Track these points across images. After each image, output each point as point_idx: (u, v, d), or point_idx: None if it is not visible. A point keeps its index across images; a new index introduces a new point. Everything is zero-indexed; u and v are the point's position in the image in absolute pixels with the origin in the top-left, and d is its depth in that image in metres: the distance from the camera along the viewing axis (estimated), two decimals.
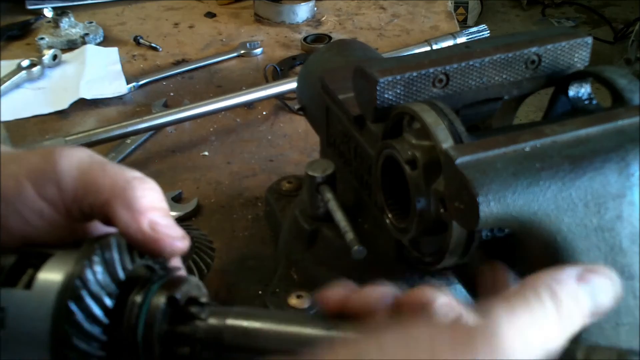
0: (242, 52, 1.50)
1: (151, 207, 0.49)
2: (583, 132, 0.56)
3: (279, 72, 1.40)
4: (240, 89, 1.30)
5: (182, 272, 0.53)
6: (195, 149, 1.21)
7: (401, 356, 0.37)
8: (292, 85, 1.25)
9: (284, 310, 0.49)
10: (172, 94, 1.37)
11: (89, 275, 0.44)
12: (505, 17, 4.56)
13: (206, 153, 1.19)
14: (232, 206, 1.06)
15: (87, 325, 0.44)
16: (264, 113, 1.30)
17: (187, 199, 1.07)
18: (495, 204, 0.51)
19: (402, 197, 0.63)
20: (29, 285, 0.45)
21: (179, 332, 0.46)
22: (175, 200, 1.06)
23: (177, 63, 1.48)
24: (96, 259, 0.45)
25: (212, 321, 0.46)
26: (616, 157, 0.54)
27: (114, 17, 1.67)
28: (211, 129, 1.26)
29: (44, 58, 1.42)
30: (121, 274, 0.46)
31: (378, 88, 0.63)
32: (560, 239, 0.53)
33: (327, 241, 0.79)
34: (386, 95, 0.64)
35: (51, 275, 0.45)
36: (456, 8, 3.88)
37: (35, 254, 0.47)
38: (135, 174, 0.50)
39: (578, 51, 0.69)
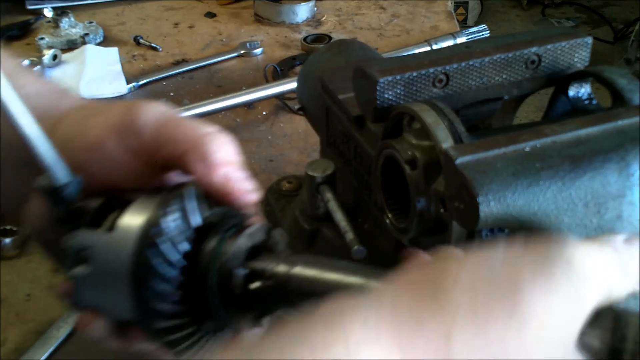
0: (242, 52, 1.49)
1: (225, 160, 0.51)
2: (583, 132, 0.56)
3: (279, 72, 1.40)
4: (240, 89, 1.30)
5: (257, 219, 0.55)
6: None
7: (484, 276, 0.38)
8: (292, 85, 1.25)
9: (353, 262, 0.50)
10: (172, 94, 1.37)
11: (166, 222, 0.47)
12: (505, 17, 4.55)
13: None
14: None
15: (163, 268, 0.47)
16: (264, 113, 1.30)
17: None
18: (495, 204, 0.51)
19: (402, 197, 0.63)
20: (111, 228, 0.49)
21: (248, 277, 0.48)
22: None
23: (177, 63, 1.48)
24: (173, 206, 0.48)
25: (280, 268, 0.48)
26: (616, 157, 0.54)
27: (114, 17, 1.67)
28: None
29: (44, 58, 1.42)
30: (196, 221, 0.49)
31: (378, 88, 0.63)
32: None
33: (327, 241, 0.79)
34: (386, 95, 0.64)
35: (132, 220, 0.48)
36: (456, 8, 3.87)
37: (118, 199, 0.51)
38: (210, 129, 0.53)
39: (578, 51, 0.69)
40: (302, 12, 1.63)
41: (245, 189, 0.52)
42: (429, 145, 0.58)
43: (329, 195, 0.76)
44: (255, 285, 0.49)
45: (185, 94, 1.37)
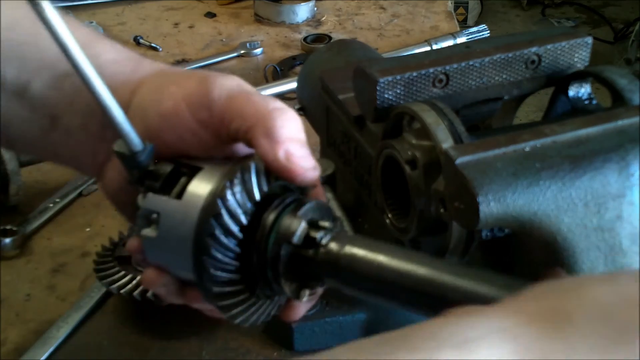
0: (242, 52, 1.50)
1: (288, 137, 0.53)
2: (583, 132, 0.56)
3: (279, 72, 1.40)
4: None
5: (319, 193, 0.57)
6: None
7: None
8: (292, 85, 1.25)
9: (404, 247, 0.50)
10: None
11: (228, 195, 0.50)
12: (505, 17, 4.55)
13: None
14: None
15: (223, 238, 0.50)
16: None
17: None
18: (495, 204, 0.51)
19: (402, 197, 0.63)
20: (179, 195, 0.52)
21: (302, 253, 0.51)
22: None
23: (177, 63, 1.48)
24: (236, 180, 0.51)
25: (332, 246, 0.51)
26: (616, 157, 0.54)
27: (114, 17, 1.67)
28: None
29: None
30: (257, 195, 0.51)
31: (378, 88, 0.63)
32: (560, 239, 0.53)
33: None
34: (386, 95, 0.64)
35: (198, 189, 0.52)
36: (456, 8, 3.87)
37: (187, 166, 0.54)
38: (277, 105, 0.54)
39: (578, 51, 0.69)
40: (302, 12, 1.64)
41: (305, 166, 0.53)
42: (429, 145, 0.58)
43: (329, 195, 0.76)
44: (308, 257, 0.51)
45: None
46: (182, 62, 1.48)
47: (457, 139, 0.56)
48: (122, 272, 0.82)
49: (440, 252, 0.61)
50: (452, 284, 0.46)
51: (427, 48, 1.44)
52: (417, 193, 0.59)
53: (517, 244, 0.56)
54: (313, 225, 0.52)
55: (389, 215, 0.66)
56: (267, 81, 1.35)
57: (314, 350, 0.79)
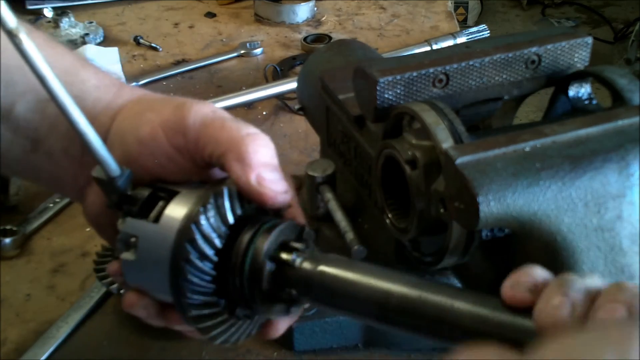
0: (242, 52, 1.49)
1: (260, 162, 0.54)
2: (583, 132, 0.56)
3: (279, 72, 1.40)
4: (240, 89, 1.30)
5: (296, 214, 0.59)
6: None
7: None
8: (292, 85, 1.25)
9: (377, 265, 0.51)
10: (172, 94, 1.36)
11: (202, 219, 0.52)
12: (505, 17, 4.55)
13: None
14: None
15: (199, 262, 0.52)
16: (264, 113, 1.29)
17: None
18: (495, 204, 0.51)
19: (402, 197, 0.63)
20: (157, 219, 0.54)
21: (276, 272, 0.52)
22: None
23: (177, 63, 1.47)
24: (210, 205, 0.52)
25: (305, 265, 0.52)
26: (616, 157, 0.54)
27: (114, 17, 1.67)
28: None
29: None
30: (231, 218, 0.53)
31: (378, 88, 0.63)
32: (560, 239, 0.53)
33: (327, 241, 0.79)
34: (386, 95, 0.64)
35: (175, 212, 0.53)
36: (456, 8, 3.87)
37: (165, 190, 0.56)
38: (250, 130, 0.56)
39: (578, 51, 0.69)
40: (302, 12, 1.63)
41: (277, 189, 0.54)
42: (429, 145, 0.58)
43: (329, 195, 0.76)
44: (283, 279, 0.53)
45: (185, 94, 1.36)
46: (182, 62, 1.48)
47: (457, 139, 0.56)
48: None
49: (440, 252, 0.61)
50: (425, 300, 0.46)
51: (427, 48, 1.44)
52: (417, 193, 0.59)
53: (517, 244, 0.56)
54: (286, 245, 0.54)
55: (389, 215, 0.66)
56: (267, 81, 1.35)
57: (314, 351, 0.79)
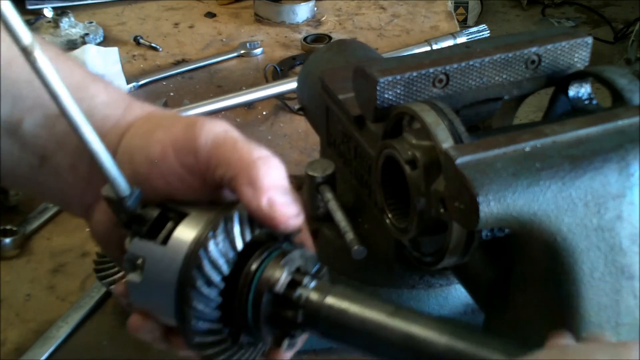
0: (242, 52, 1.49)
1: (272, 185, 0.53)
2: (583, 132, 0.56)
3: (279, 72, 1.40)
4: (240, 89, 1.30)
5: (306, 239, 0.58)
6: None
7: None
8: (292, 85, 1.25)
9: (387, 302, 0.50)
10: (172, 94, 1.37)
11: (211, 245, 0.51)
12: (505, 17, 4.55)
13: None
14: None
15: (205, 289, 0.51)
16: (264, 113, 1.29)
17: None
18: (495, 204, 0.51)
19: (402, 197, 0.63)
20: (165, 241, 0.53)
21: (283, 302, 0.52)
22: None
23: (177, 63, 1.47)
24: (219, 230, 0.51)
25: (313, 296, 0.51)
26: (616, 157, 0.54)
27: (114, 17, 1.67)
28: None
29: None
30: (240, 244, 0.52)
31: (378, 88, 0.63)
32: (560, 239, 0.53)
33: (327, 241, 0.79)
34: (386, 95, 0.64)
35: (184, 235, 0.52)
36: (456, 8, 3.87)
37: (174, 211, 0.55)
38: (262, 153, 0.54)
39: (578, 51, 0.69)
40: (302, 12, 1.63)
41: (288, 213, 0.53)
42: (429, 145, 0.58)
43: (329, 195, 0.76)
44: (288, 311, 0.52)
45: (186, 94, 1.37)
46: (182, 62, 1.48)
47: (457, 139, 0.56)
48: (122, 272, 0.82)
49: (440, 252, 0.61)
50: (433, 341, 0.45)
51: (427, 48, 1.44)
52: (417, 193, 0.59)
53: (517, 244, 0.56)
54: (296, 274, 0.53)
55: (389, 215, 0.66)
56: (267, 81, 1.35)
57: (314, 351, 0.79)
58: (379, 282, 0.77)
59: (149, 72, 1.43)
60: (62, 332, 0.82)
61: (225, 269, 0.51)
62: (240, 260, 0.52)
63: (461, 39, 1.46)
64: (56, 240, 0.98)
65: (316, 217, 0.80)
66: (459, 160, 0.53)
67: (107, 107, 0.59)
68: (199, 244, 0.51)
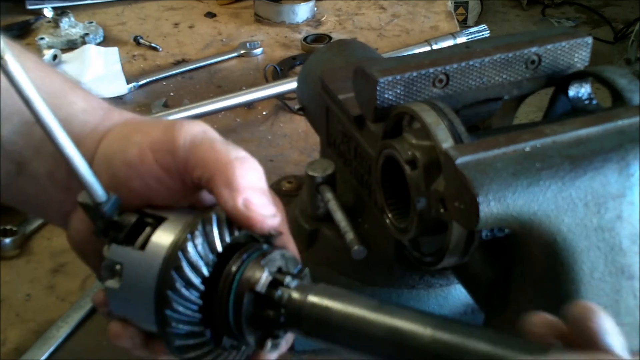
0: (242, 52, 1.49)
1: (248, 186, 0.53)
2: (583, 132, 0.56)
3: (279, 72, 1.40)
4: (240, 89, 1.30)
5: (287, 241, 0.58)
6: None
7: None
8: (292, 85, 1.25)
9: (372, 298, 0.50)
10: (172, 94, 1.37)
11: (189, 247, 0.51)
12: (505, 17, 4.55)
13: None
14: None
15: (184, 290, 0.50)
16: (264, 113, 1.30)
17: None
18: (495, 204, 0.51)
19: (402, 197, 0.63)
20: (143, 246, 0.52)
21: (264, 302, 0.51)
22: None
23: (177, 63, 1.48)
24: (197, 232, 0.51)
25: (295, 295, 0.51)
26: (616, 157, 0.54)
27: (114, 17, 1.67)
28: None
29: (44, 58, 1.42)
30: (219, 246, 0.52)
31: (378, 88, 0.63)
32: (560, 239, 0.53)
33: (327, 241, 0.79)
34: (386, 95, 0.64)
35: (162, 239, 0.52)
36: (456, 8, 3.87)
37: (152, 216, 0.54)
38: (239, 154, 0.55)
39: (578, 51, 0.69)
40: (302, 12, 1.63)
41: (265, 213, 0.53)
42: (429, 145, 0.58)
43: (329, 195, 0.76)
44: (270, 311, 0.51)
45: (185, 94, 1.37)
46: (182, 62, 1.48)
47: (457, 139, 0.56)
48: None
49: (440, 252, 0.61)
50: (418, 333, 0.45)
51: (427, 48, 1.44)
52: (417, 193, 0.59)
53: (517, 244, 0.56)
54: (277, 274, 0.52)
55: (389, 215, 0.66)
56: (267, 81, 1.35)
57: (313, 351, 0.79)
58: (379, 282, 0.77)
59: (149, 72, 1.43)
60: (62, 332, 0.82)
61: (204, 270, 0.51)
62: (221, 262, 0.52)
63: (461, 39, 1.46)
64: (56, 240, 0.98)
65: (316, 217, 0.80)
66: (459, 160, 0.53)
67: (86, 114, 0.59)
68: (177, 247, 0.51)
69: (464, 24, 3.89)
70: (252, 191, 0.53)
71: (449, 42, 1.45)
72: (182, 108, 1.21)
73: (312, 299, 0.50)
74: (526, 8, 4.60)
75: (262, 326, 0.52)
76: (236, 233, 0.53)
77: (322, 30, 1.61)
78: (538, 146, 0.54)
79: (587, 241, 0.53)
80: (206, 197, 0.58)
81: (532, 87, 0.69)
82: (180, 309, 0.50)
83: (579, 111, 0.69)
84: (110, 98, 1.34)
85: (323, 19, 1.66)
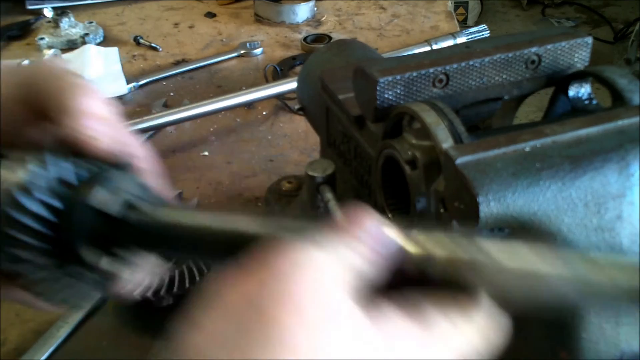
0: (242, 52, 1.50)
1: (87, 112, 0.53)
2: (583, 132, 0.56)
3: (279, 72, 1.40)
4: (240, 89, 1.30)
5: (142, 162, 0.57)
6: (196, 149, 1.21)
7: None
8: (292, 85, 1.25)
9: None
10: (172, 94, 1.37)
11: (29, 177, 0.50)
12: (505, 17, 4.55)
13: (206, 153, 1.19)
14: (232, 206, 1.06)
15: (25, 221, 0.50)
16: (264, 113, 1.30)
17: (187, 199, 1.07)
18: (495, 204, 0.51)
19: (402, 197, 0.63)
20: None
21: (105, 225, 0.51)
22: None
23: (177, 63, 1.48)
24: (33, 165, 0.50)
25: (142, 210, 0.51)
26: (616, 157, 0.54)
27: (114, 17, 1.67)
28: (211, 129, 1.26)
29: (44, 58, 1.42)
30: (54, 173, 0.51)
31: (378, 88, 0.63)
32: (560, 239, 0.53)
33: None
34: (386, 95, 0.64)
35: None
36: (456, 8, 3.87)
37: None
38: (79, 82, 0.55)
39: (578, 51, 0.69)
40: (302, 12, 1.64)
41: (100, 138, 0.53)
42: (429, 145, 0.58)
43: (329, 195, 0.76)
44: (110, 227, 0.51)
45: (185, 94, 1.37)
46: (182, 62, 1.48)
47: (457, 139, 0.56)
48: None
49: None
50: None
51: (427, 48, 1.44)
52: (417, 193, 0.59)
53: None
54: (120, 193, 0.52)
55: (389, 215, 0.66)
56: (267, 81, 1.35)
57: None
58: None
59: (149, 72, 1.43)
60: (62, 332, 0.82)
61: (46, 199, 0.50)
62: (63, 190, 0.51)
63: (461, 39, 1.47)
64: None
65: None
66: (459, 160, 0.53)
67: None
68: (15, 181, 0.50)
69: (464, 24, 3.90)
70: (89, 116, 0.53)
71: (449, 42, 1.45)
72: (182, 108, 1.21)
73: (157, 213, 0.51)
74: (526, 8, 4.60)
75: (108, 250, 0.52)
76: (81, 163, 0.53)
77: (322, 30, 1.61)
78: (538, 146, 0.54)
79: (587, 241, 0.53)
80: (50, 130, 0.57)
81: (532, 87, 0.69)
82: (24, 239, 0.50)
83: (579, 111, 0.69)
84: (110, 98, 1.34)
85: (323, 19, 1.66)
